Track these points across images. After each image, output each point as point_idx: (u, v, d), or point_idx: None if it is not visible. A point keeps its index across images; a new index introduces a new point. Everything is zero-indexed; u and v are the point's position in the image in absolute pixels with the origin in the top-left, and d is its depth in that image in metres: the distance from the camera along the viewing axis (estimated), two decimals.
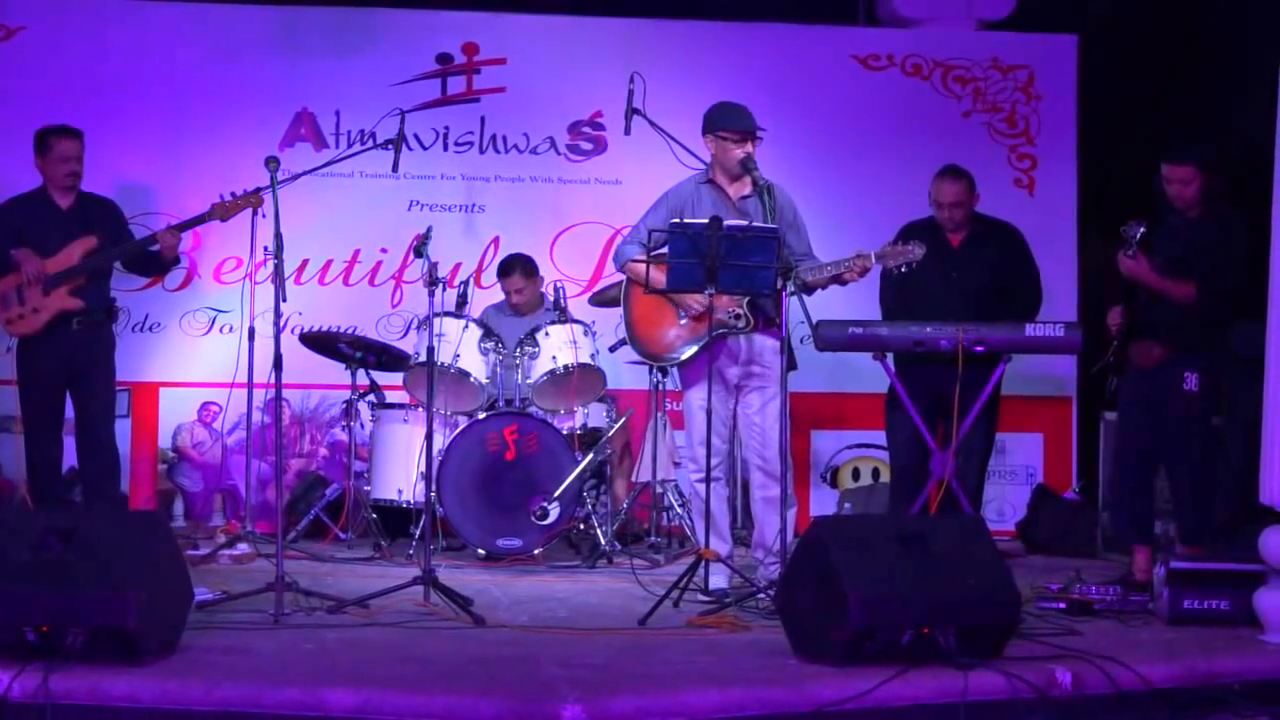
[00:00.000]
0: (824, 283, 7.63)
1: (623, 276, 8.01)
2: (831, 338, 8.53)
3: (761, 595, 6.90)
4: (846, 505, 10.23)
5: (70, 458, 8.84)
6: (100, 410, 8.64)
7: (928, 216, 8.93)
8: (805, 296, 7.59)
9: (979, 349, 8.39)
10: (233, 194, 8.44)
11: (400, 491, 9.11)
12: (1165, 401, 7.75)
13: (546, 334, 8.94)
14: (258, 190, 8.36)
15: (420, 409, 8.94)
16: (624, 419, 9.37)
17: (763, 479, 7.65)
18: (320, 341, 9.50)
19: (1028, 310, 8.82)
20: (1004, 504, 10.70)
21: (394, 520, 9.35)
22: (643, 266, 7.48)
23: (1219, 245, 7.69)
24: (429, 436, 7.43)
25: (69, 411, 8.70)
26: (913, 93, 11.00)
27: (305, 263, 10.48)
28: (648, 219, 7.72)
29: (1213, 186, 7.78)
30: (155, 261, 8.80)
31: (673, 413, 9.38)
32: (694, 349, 7.61)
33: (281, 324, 6.99)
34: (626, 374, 9.78)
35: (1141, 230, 7.67)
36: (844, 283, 7.67)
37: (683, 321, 7.65)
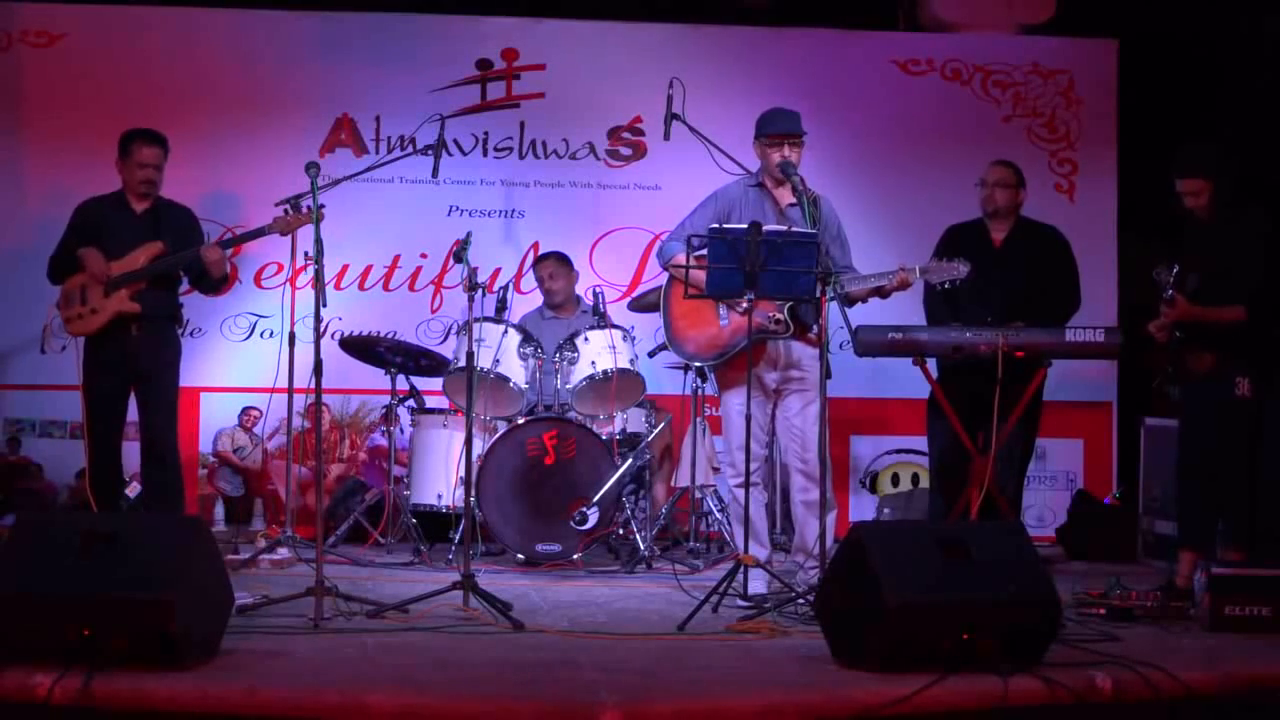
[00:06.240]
0: (865, 294, 7.68)
1: (662, 281, 8.03)
2: (871, 343, 8.54)
3: (800, 600, 6.90)
4: (886, 510, 10.21)
5: (130, 462, 8.90)
6: (161, 418, 8.63)
7: (972, 219, 8.95)
8: (846, 307, 7.63)
9: (1018, 354, 8.39)
10: (294, 207, 8.36)
11: (440, 496, 9.13)
12: (1218, 407, 7.72)
13: (586, 339, 8.96)
14: (321, 207, 8.33)
15: (460, 414, 8.97)
16: (663, 424, 9.37)
17: (804, 482, 7.66)
18: (360, 346, 9.51)
19: (1060, 314, 8.82)
20: (1044, 509, 10.67)
21: (433, 525, 9.36)
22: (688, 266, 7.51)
23: (1243, 248, 7.69)
24: (468, 441, 7.45)
25: (131, 415, 8.73)
26: (953, 97, 10.98)
27: (345, 268, 10.52)
28: (694, 218, 7.77)
29: (1224, 190, 7.77)
30: (205, 277, 8.74)
31: (711, 418, 9.39)
32: (733, 351, 7.62)
33: (322, 329, 6.99)
34: (666, 379, 9.78)
35: (1176, 270, 7.67)
36: (885, 295, 7.71)
37: (723, 324, 7.66)
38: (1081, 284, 9.07)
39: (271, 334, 10.31)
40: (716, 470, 9.14)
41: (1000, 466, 8.56)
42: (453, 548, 8.86)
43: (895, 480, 10.58)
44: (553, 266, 9.94)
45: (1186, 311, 7.67)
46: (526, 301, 10.22)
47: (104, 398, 8.56)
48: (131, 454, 8.89)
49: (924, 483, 10.18)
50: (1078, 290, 9.00)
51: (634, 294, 10.34)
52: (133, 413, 8.72)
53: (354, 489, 9.95)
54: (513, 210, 10.74)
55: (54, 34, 10.42)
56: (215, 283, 8.85)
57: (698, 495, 9.21)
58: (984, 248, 8.63)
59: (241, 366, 10.39)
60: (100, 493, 8.54)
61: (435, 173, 9.29)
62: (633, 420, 9.36)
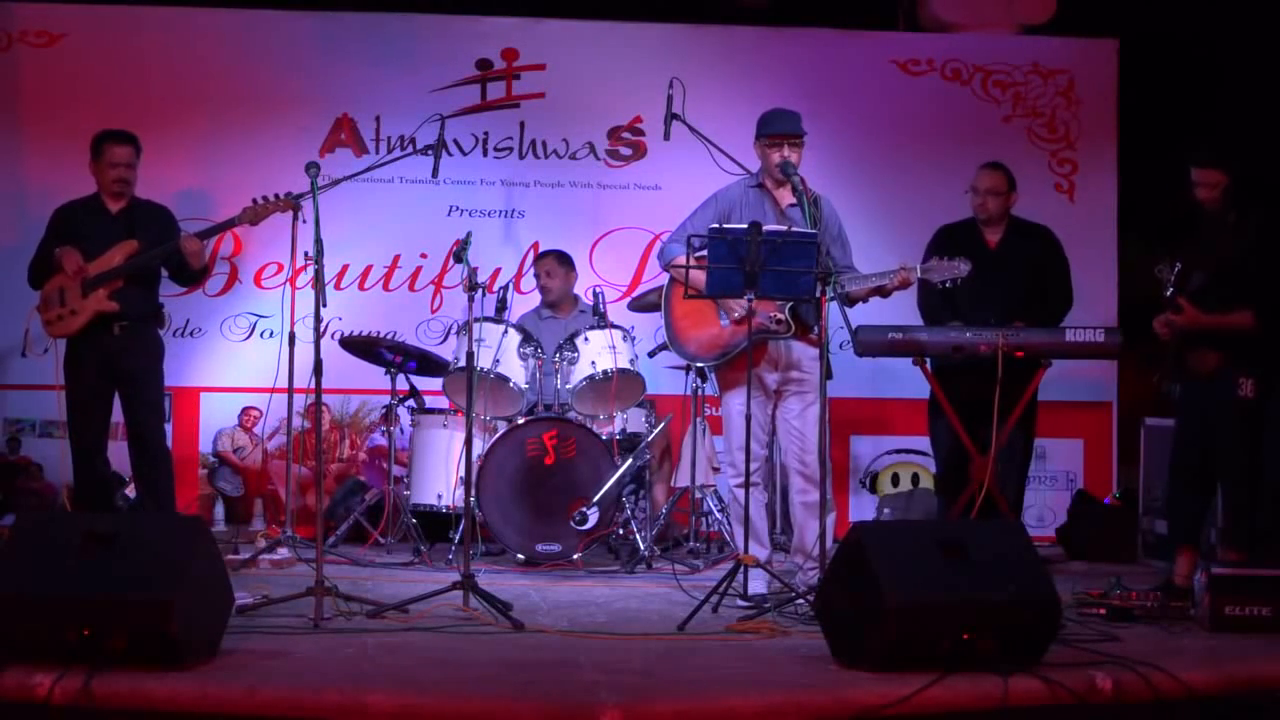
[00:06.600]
0: (865, 294, 7.68)
1: (662, 280, 8.04)
2: (871, 343, 8.55)
3: (800, 600, 6.90)
4: (886, 511, 10.19)
5: (117, 463, 8.91)
6: (149, 416, 8.65)
7: (963, 219, 8.96)
8: (847, 307, 7.64)
9: (1018, 354, 8.39)
10: (265, 198, 8.51)
11: (440, 496, 9.13)
12: (1220, 407, 7.72)
13: (586, 339, 8.96)
14: (289, 194, 8.43)
15: (460, 414, 8.97)
16: (663, 424, 9.37)
17: (802, 484, 7.66)
18: (360, 346, 9.51)
19: (1057, 314, 8.84)
20: (1044, 509, 10.66)
21: (433, 525, 9.35)
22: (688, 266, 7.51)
23: (1254, 249, 7.68)
24: (468, 441, 7.45)
25: (116, 415, 8.75)
26: (953, 97, 10.96)
27: (345, 268, 10.51)
28: (695, 218, 7.77)
29: (1239, 187, 7.76)
30: (185, 269, 8.75)
31: (711, 418, 9.38)
32: (734, 352, 7.62)
33: (322, 329, 7.00)
34: (666, 379, 9.77)
35: (1178, 268, 7.67)
36: (886, 294, 7.72)
37: (724, 324, 7.66)
38: (1080, 283, 9.09)
39: (271, 334, 10.31)
40: (717, 470, 9.14)
41: (1001, 466, 8.57)
42: (453, 548, 8.86)
43: (895, 480, 10.57)
44: (551, 264, 9.94)
45: (1194, 319, 7.67)
46: (526, 301, 10.21)
47: (88, 399, 8.59)
48: (118, 454, 8.90)
49: (924, 483, 10.19)
50: (1071, 289, 9.02)
51: (634, 294, 10.33)
52: (117, 413, 8.75)
53: (354, 489, 9.95)
54: (513, 210, 10.73)
55: (54, 34, 10.41)
56: (194, 274, 8.87)
57: (698, 495, 9.21)
58: (979, 249, 8.61)
59: (241, 366, 10.38)
60: (86, 494, 8.63)
61: (435, 173, 9.30)
62: (633, 420, 9.36)
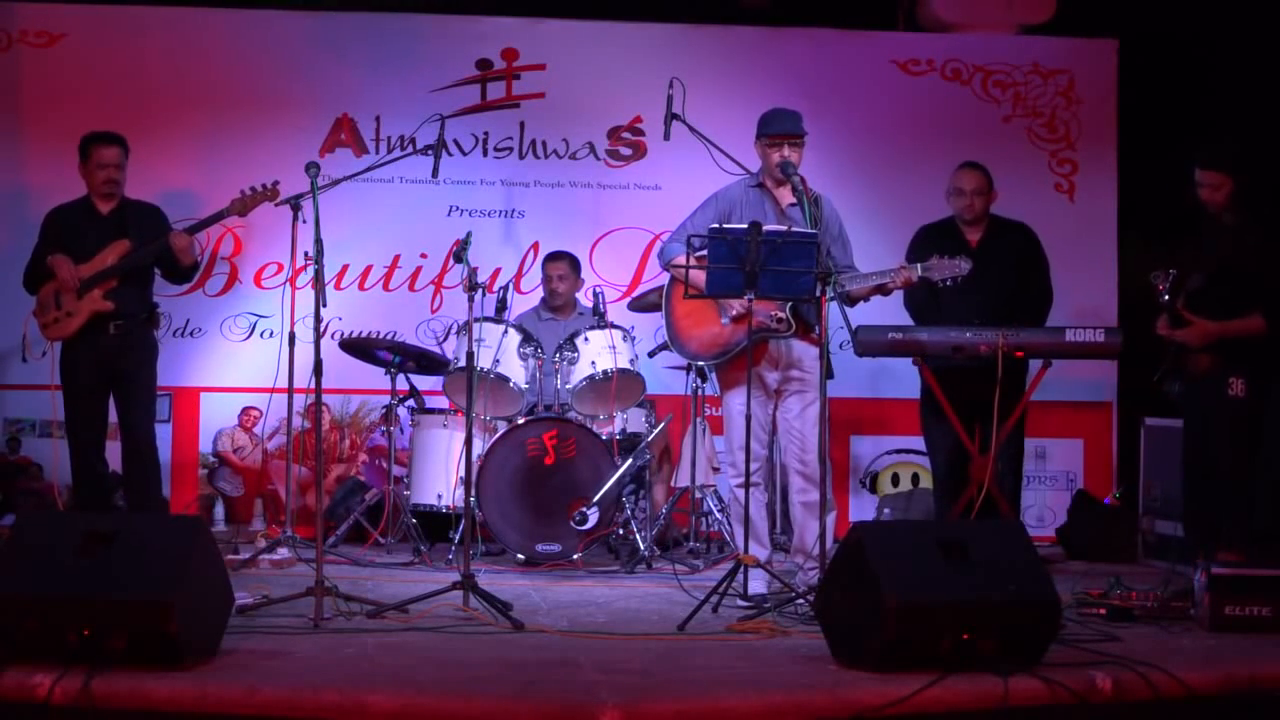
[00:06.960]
0: (866, 293, 7.68)
1: (663, 280, 8.04)
2: (871, 343, 8.54)
3: (800, 600, 6.90)
4: (886, 511, 10.20)
5: (114, 462, 8.90)
6: (139, 415, 8.69)
7: (943, 219, 8.97)
8: (848, 307, 7.64)
9: (1018, 354, 8.40)
10: (252, 188, 8.58)
11: (440, 496, 9.13)
12: (1215, 408, 7.73)
13: (586, 339, 8.96)
14: (275, 183, 8.48)
15: (460, 414, 8.96)
16: (663, 424, 9.36)
17: (803, 483, 7.66)
18: (360, 347, 9.51)
19: (1040, 312, 8.85)
20: (1044, 509, 10.66)
21: (433, 525, 9.36)
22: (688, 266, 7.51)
23: (1261, 252, 7.67)
24: (468, 441, 7.45)
25: (113, 416, 8.77)
26: (953, 97, 10.95)
27: (345, 268, 10.50)
28: (695, 218, 7.78)
29: (1244, 189, 7.76)
30: (176, 266, 8.77)
31: (712, 418, 9.38)
32: (734, 351, 7.62)
33: (322, 329, 7.00)
34: (666, 379, 9.77)
35: (1174, 275, 7.67)
36: (887, 293, 7.73)
37: (725, 323, 7.66)
38: (1080, 283, 9.11)
39: (271, 334, 10.30)
40: (717, 470, 9.14)
41: (1000, 465, 8.57)
42: (453, 548, 8.86)
43: (895, 480, 10.57)
44: (564, 269, 9.91)
45: (1204, 331, 7.68)
46: (526, 302, 10.21)
47: (86, 398, 8.63)
48: (116, 453, 8.91)
49: (924, 483, 10.18)
50: (1051, 285, 9.02)
51: (634, 294, 10.32)
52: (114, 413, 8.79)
53: (354, 489, 9.95)
54: (513, 210, 10.72)
55: (54, 34, 10.41)
56: (186, 270, 8.88)
57: (698, 495, 9.21)
58: (962, 249, 8.58)
59: (241, 366, 10.38)
60: (85, 494, 8.68)
61: (435, 173, 9.29)
62: (633, 420, 9.35)
